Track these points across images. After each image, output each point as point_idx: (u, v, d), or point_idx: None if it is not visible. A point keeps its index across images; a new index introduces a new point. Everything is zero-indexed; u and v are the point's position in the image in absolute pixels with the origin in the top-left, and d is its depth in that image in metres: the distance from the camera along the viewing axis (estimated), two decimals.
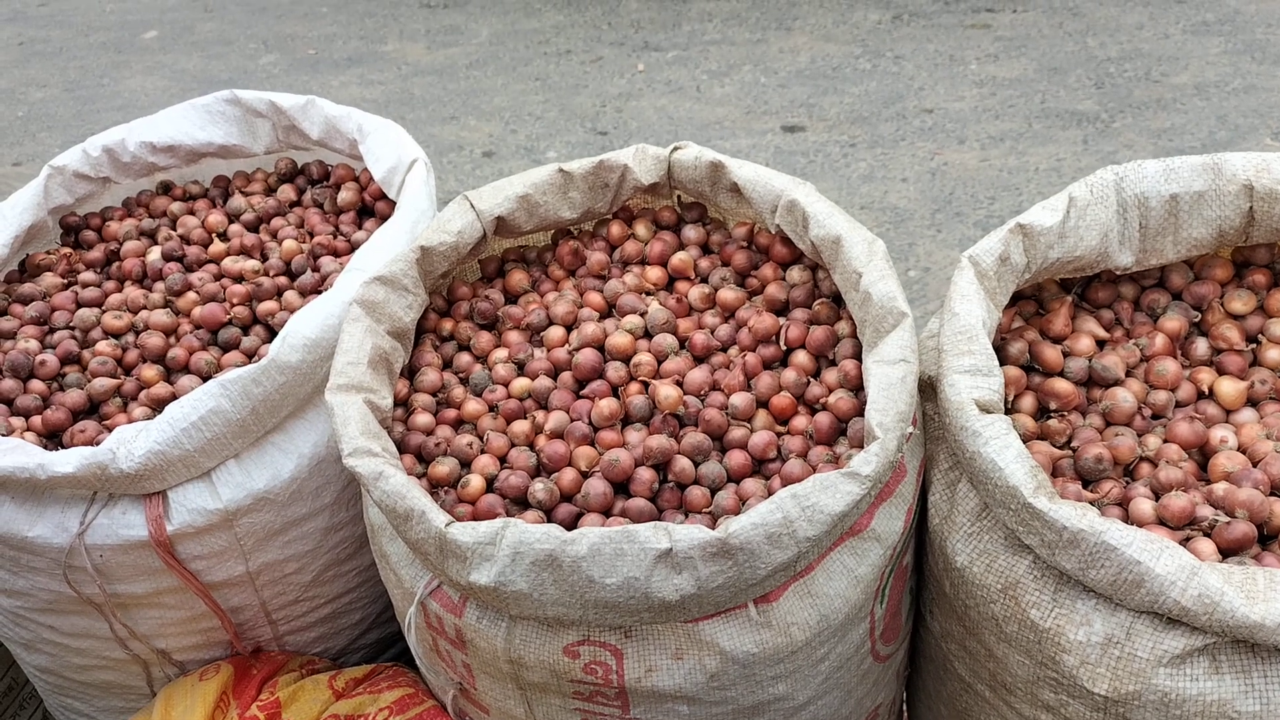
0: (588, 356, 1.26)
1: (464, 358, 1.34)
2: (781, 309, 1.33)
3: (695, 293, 1.35)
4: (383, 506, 1.06)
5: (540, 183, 1.36)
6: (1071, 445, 1.22)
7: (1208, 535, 1.10)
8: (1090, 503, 1.16)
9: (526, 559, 0.99)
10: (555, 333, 1.33)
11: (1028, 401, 1.27)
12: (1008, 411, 1.27)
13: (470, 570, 1.01)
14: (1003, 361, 1.29)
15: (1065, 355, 1.30)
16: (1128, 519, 1.14)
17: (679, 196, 1.45)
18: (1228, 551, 1.09)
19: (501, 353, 1.33)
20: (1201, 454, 1.22)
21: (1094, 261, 1.27)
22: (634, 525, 0.99)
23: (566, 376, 1.29)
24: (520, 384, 1.28)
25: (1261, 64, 4.01)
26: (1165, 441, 1.22)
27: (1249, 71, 3.96)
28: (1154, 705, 1.01)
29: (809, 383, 1.23)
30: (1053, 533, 1.01)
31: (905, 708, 1.51)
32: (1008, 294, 1.24)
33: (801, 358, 1.26)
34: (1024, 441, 1.19)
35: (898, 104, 4.09)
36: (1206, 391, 1.26)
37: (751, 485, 1.15)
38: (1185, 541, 1.10)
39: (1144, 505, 1.13)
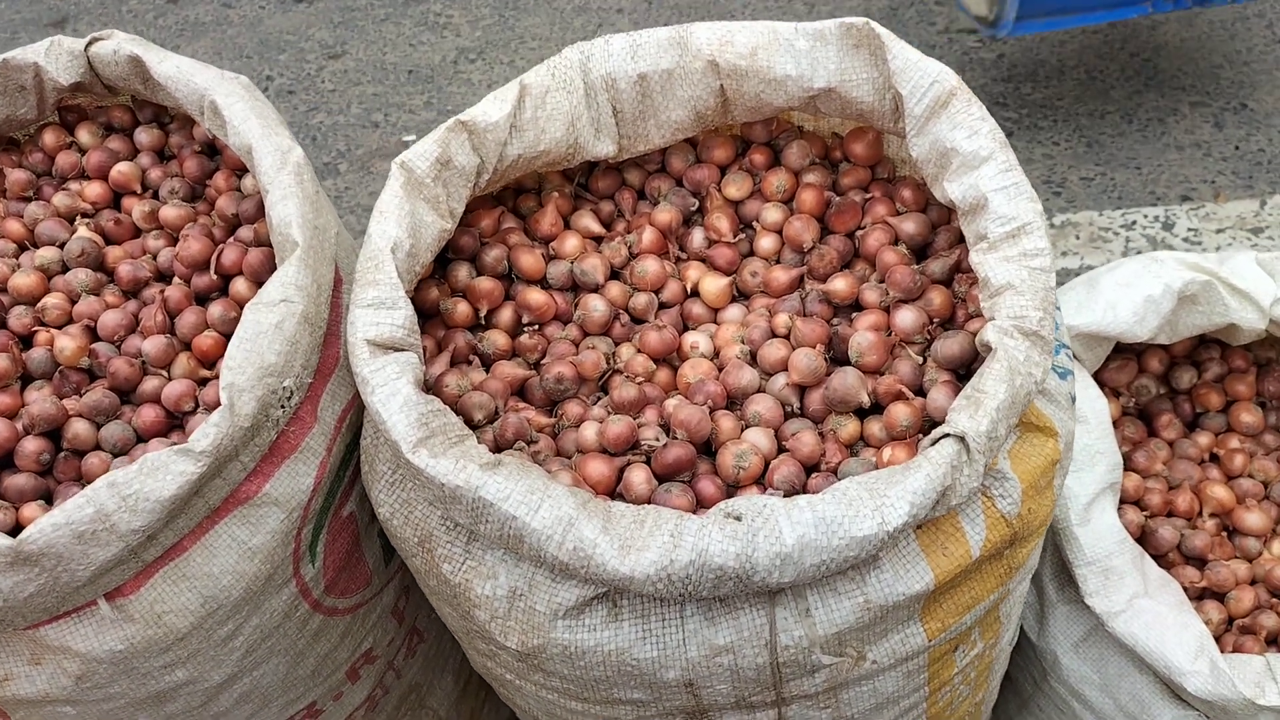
0: None
1: None
2: (235, 226, 1.17)
3: (139, 210, 1.18)
4: None
5: None
6: (542, 363, 1.13)
7: (647, 462, 1.03)
8: (545, 430, 1.08)
9: None
10: None
11: (506, 315, 1.16)
12: (485, 327, 1.16)
13: None
14: (480, 270, 1.17)
15: (551, 259, 1.19)
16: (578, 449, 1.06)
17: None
18: (664, 476, 1.02)
19: None
20: (680, 360, 1.14)
21: (566, 154, 1.14)
22: None
23: None
24: None
25: None
26: (638, 352, 1.13)
27: None
28: (559, 658, 0.95)
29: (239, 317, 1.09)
30: (436, 488, 0.91)
31: None
32: (462, 200, 1.10)
33: (240, 286, 1.11)
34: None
35: None
36: (690, 290, 1.17)
37: (155, 450, 1.02)
38: (624, 469, 1.03)
39: (588, 432, 1.05)
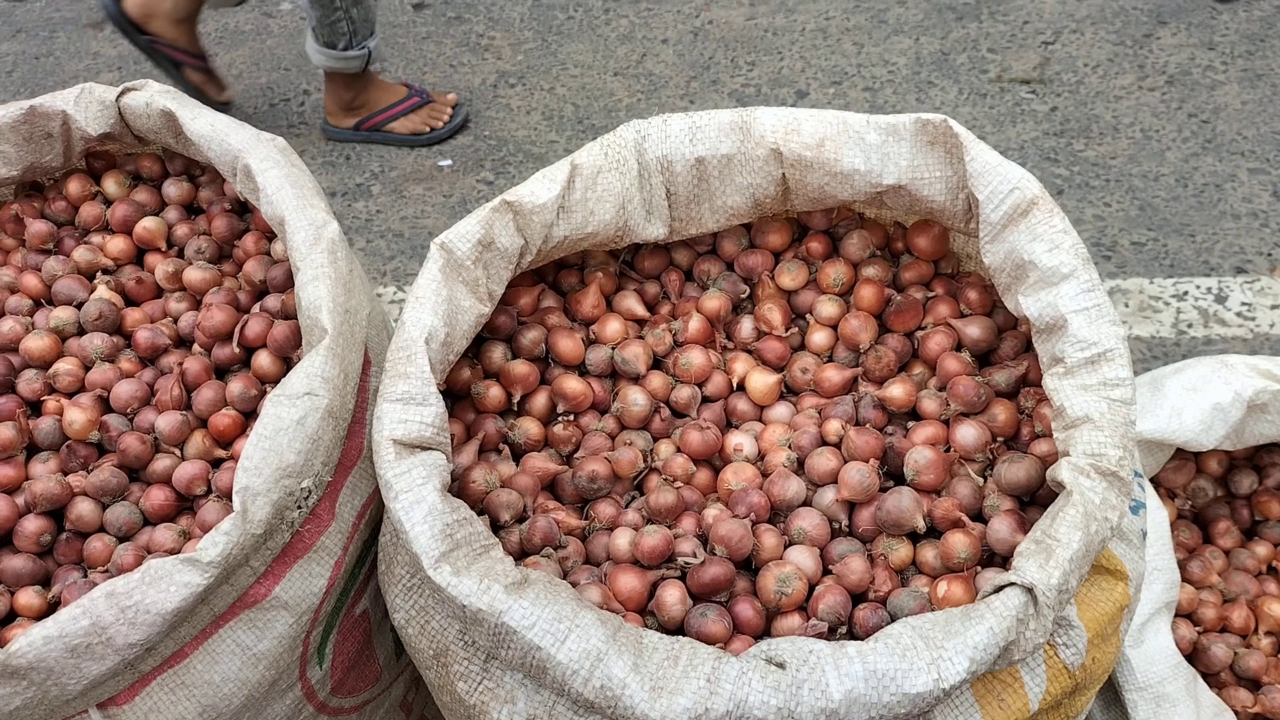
0: None
1: None
2: (263, 293, 1.11)
3: (162, 270, 1.12)
4: None
5: None
6: (575, 458, 1.06)
7: (682, 578, 0.96)
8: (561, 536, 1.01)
9: None
10: None
11: (540, 401, 1.09)
12: (518, 413, 1.10)
13: None
14: (516, 353, 1.11)
15: (591, 343, 1.12)
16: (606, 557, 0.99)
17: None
18: (699, 595, 0.95)
19: None
20: (722, 461, 1.07)
21: (615, 236, 1.07)
22: None
23: None
24: None
25: None
26: (678, 451, 1.06)
27: None
28: None
29: (264, 395, 1.03)
30: (456, 608, 0.85)
31: None
32: (502, 282, 1.04)
33: (263, 360, 1.05)
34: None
35: None
36: (737, 385, 1.10)
37: (161, 536, 0.96)
38: (657, 583, 0.96)
39: (620, 541, 0.98)
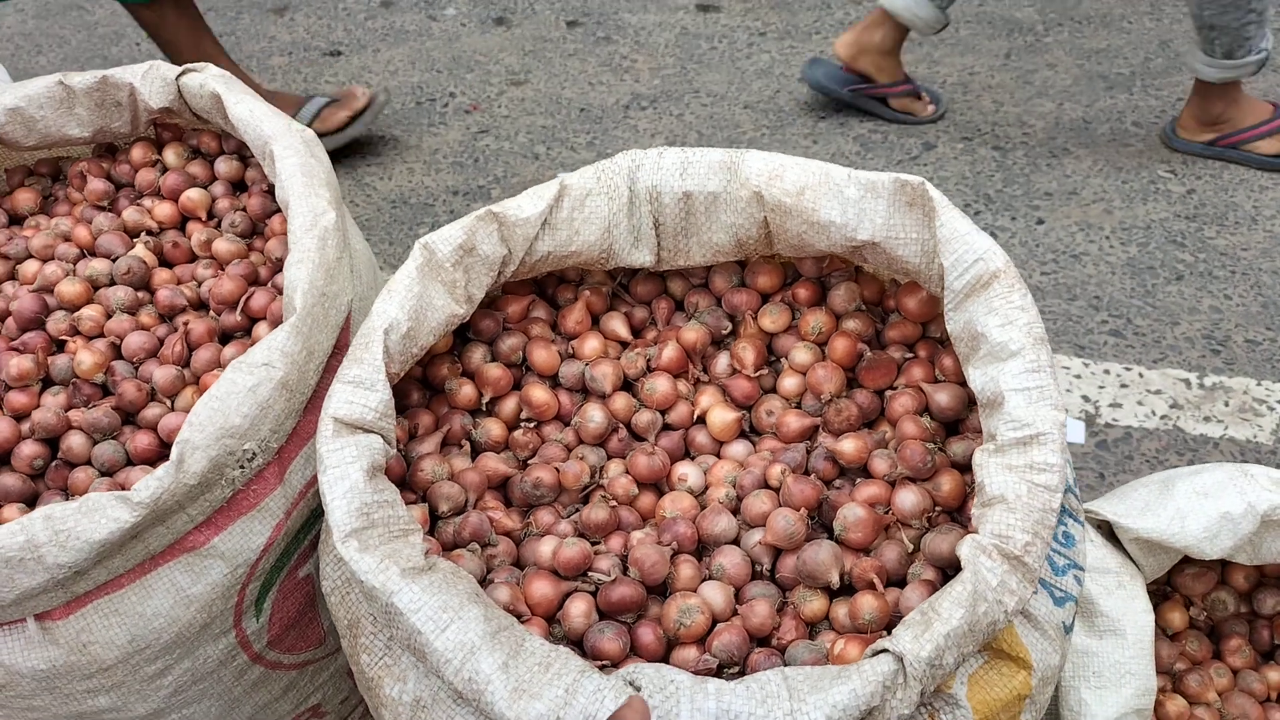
0: (27, 302, 1.15)
1: None
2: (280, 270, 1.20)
3: (197, 238, 1.22)
4: None
5: (36, 95, 1.22)
6: (528, 463, 1.10)
7: (594, 594, 0.99)
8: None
9: None
10: (29, 267, 1.21)
11: (509, 405, 1.14)
12: (488, 414, 1.14)
13: None
14: (494, 356, 1.16)
15: (569, 357, 1.16)
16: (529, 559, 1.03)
17: None
18: (608, 613, 0.98)
19: None
20: (669, 488, 1.09)
21: (599, 257, 1.11)
22: None
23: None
24: None
25: None
26: (625, 472, 1.09)
27: None
28: None
29: None
30: (358, 583, 0.90)
31: None
32: (483, 287, 1.09)
33: (263, 331, 1.14)
34: None
35: None
36: (697, 418, 1.12)
37: (136, 477, 1.04)
38: (568, 595, 0.99)
39: (544, 548, 1.02)
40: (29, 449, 1.05)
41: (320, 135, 2.72)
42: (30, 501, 1.05)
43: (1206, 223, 2.69)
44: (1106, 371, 2.32)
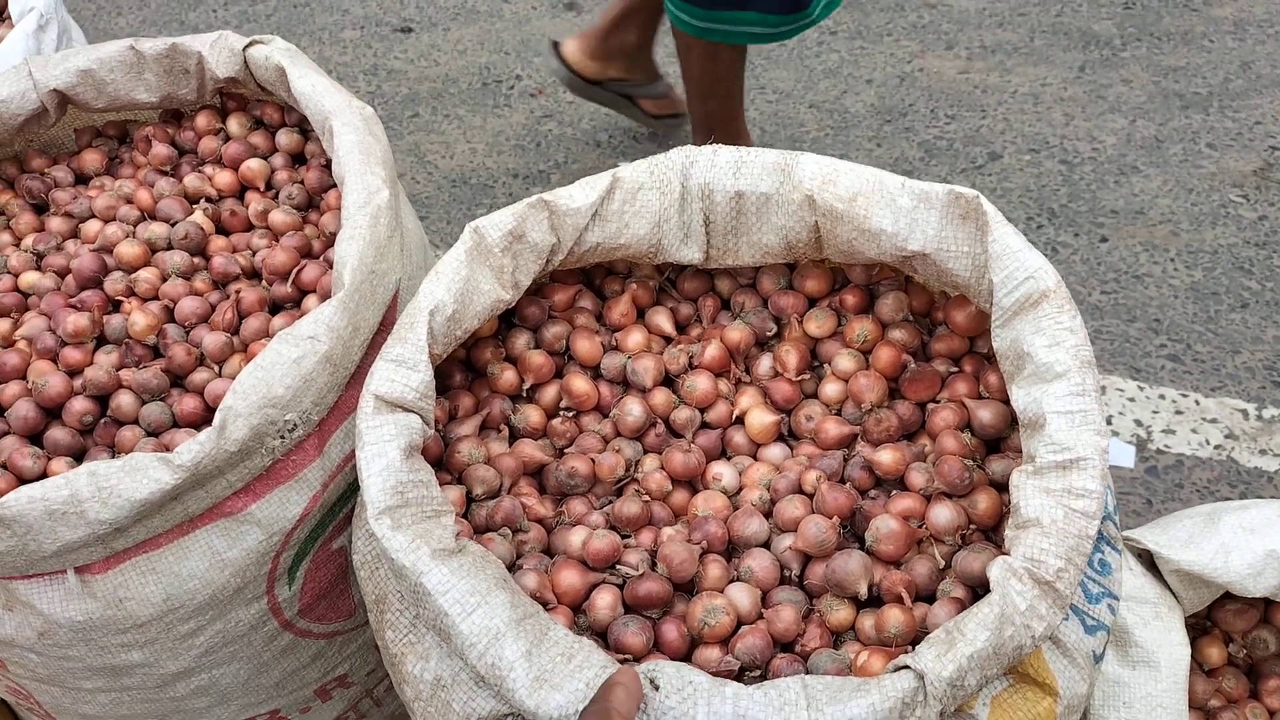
0: (87, 261, 1.17)
1: (3, 237, 1.27)
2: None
3: (254, 208, 1.24)
4: None
5: (108, 59, 1.25)
6: (565, 452, 1.11)
7: (621, 588, 0.99)
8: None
9: None
10: (91, 227, 1.24)
11: (550, 393, 1.14)
12: (528, 400, 1.15)
13: None
14: (538, 344, 1.16)
15: (612, 349, 1.16)
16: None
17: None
18: (633, 607, 0.98)
19: (29, 239, 1.25)
20: (703, 486, 1.09)
21: (648, 252, 1.11)
22: None
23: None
24: (29, 278, 1.20)
25: None
26: (661, 468, 1.09)
27: None
28: None
29: None
30: (388, 560, 0.91)
31: None
32: (530, 274, 1.09)
33: (311, 303, 1.15)
34: None
35: None
36: (736, 418, 1.12)
37: (181, 439, 1.06)
38: (595, 586, 0.99)
39: (574, 538, 1.02)
40: (80, 405, 1.08)
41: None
42: (78, 456, 1.08)
43: (1277, 250, 2.62)
44: (1162, 396, 2.27)
